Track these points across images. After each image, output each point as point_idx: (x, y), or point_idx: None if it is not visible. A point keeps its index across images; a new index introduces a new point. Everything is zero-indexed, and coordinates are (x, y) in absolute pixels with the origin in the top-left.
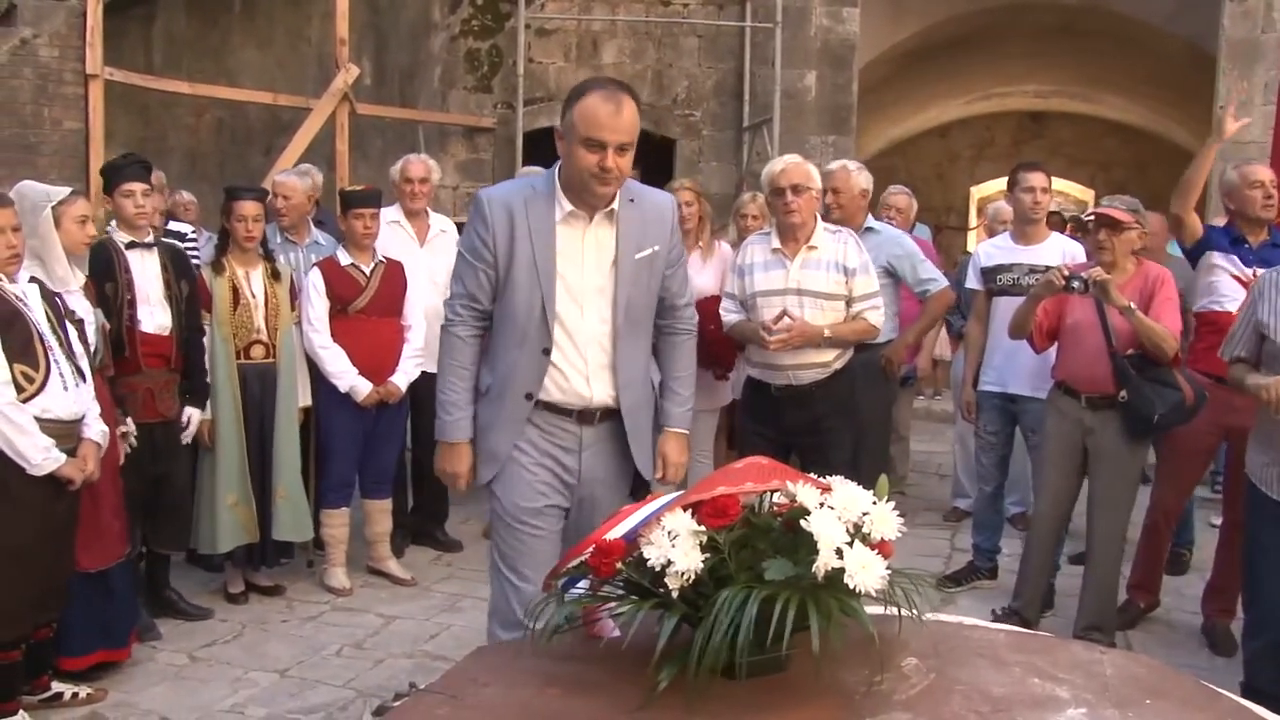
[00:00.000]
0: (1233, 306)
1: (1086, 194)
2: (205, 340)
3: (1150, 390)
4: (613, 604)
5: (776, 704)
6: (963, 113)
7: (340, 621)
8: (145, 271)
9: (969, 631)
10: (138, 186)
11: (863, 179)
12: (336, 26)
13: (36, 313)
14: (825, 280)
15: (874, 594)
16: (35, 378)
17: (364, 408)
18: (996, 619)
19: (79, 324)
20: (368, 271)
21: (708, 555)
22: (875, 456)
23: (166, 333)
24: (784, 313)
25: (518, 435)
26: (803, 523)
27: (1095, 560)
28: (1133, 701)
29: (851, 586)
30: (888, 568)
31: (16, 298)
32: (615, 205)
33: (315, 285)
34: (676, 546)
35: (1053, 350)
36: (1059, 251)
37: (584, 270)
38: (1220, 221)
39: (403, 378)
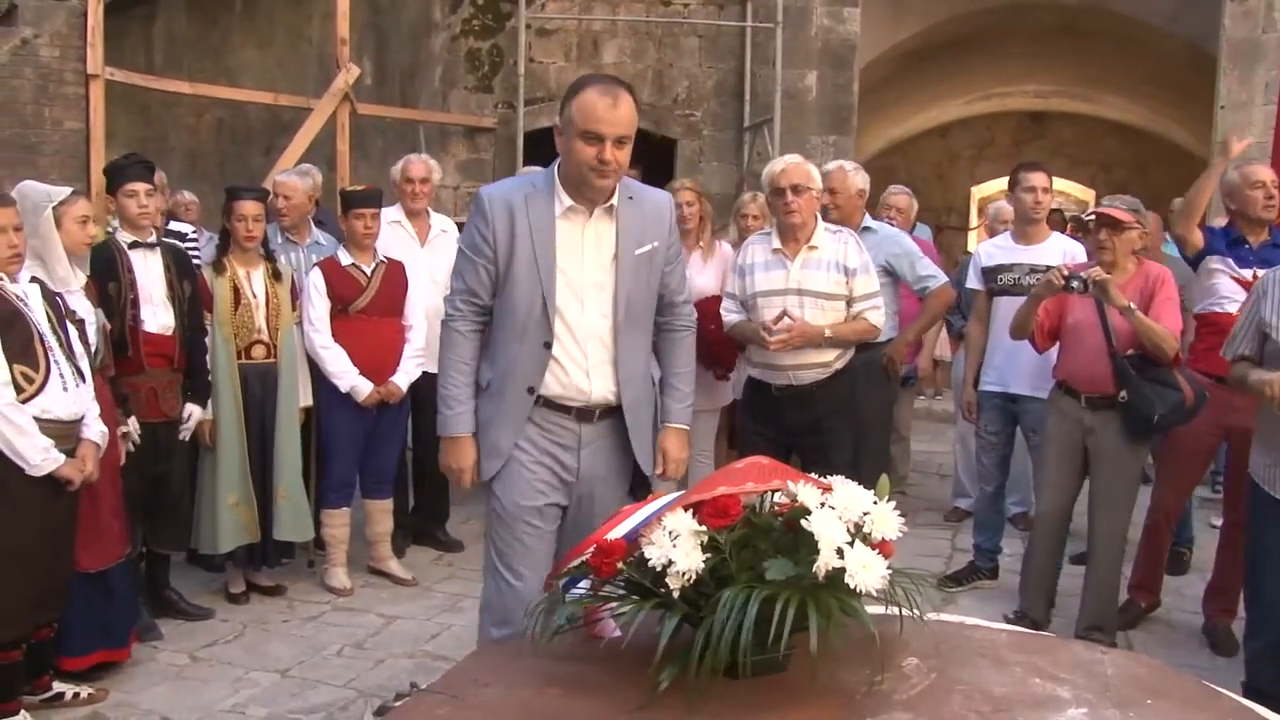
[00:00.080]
0: (1233, 308)
1: (1087, 194)
2: (207, 340)
3: (1150, 390)
4: (614, 604)
5: (777, 704)
6: (963, 113)
7: (341, 621)
8: (148, 271)
9: (970, 631)
10: (141, 186)
11: (859, 179)
12: (337, 26)
13: (37, 313)
14: (826, 280)
15: (875, 594)
16: (35, 378)
17: (365, 408)
18: (1010, 624)
19: (80, 324)
20: (368, 271)
21: (709, 555)
22: (876, 456)
23: (169, 333)
24: (784, 313)
25: (519, 431)
26: (803, 523)
27: (1096, 560)
28: (1134, 701)
29: (852, 586)
30: (888, 568)
31: (17, 298)
32: (615, 201)
33: (316, 285)
34: (678, 546)
35: (1053, 350)
36: (1060, 251)
37: (584, 265)
38: (1221, 222)
39: (403, 378)
